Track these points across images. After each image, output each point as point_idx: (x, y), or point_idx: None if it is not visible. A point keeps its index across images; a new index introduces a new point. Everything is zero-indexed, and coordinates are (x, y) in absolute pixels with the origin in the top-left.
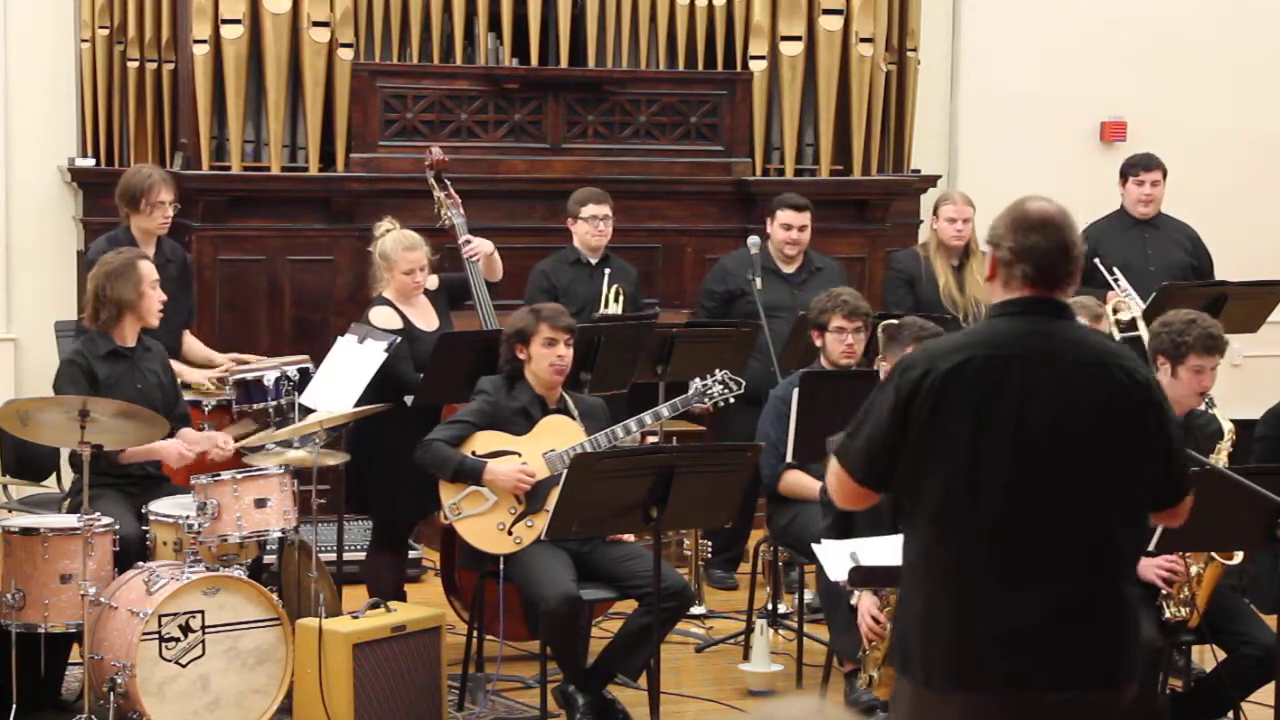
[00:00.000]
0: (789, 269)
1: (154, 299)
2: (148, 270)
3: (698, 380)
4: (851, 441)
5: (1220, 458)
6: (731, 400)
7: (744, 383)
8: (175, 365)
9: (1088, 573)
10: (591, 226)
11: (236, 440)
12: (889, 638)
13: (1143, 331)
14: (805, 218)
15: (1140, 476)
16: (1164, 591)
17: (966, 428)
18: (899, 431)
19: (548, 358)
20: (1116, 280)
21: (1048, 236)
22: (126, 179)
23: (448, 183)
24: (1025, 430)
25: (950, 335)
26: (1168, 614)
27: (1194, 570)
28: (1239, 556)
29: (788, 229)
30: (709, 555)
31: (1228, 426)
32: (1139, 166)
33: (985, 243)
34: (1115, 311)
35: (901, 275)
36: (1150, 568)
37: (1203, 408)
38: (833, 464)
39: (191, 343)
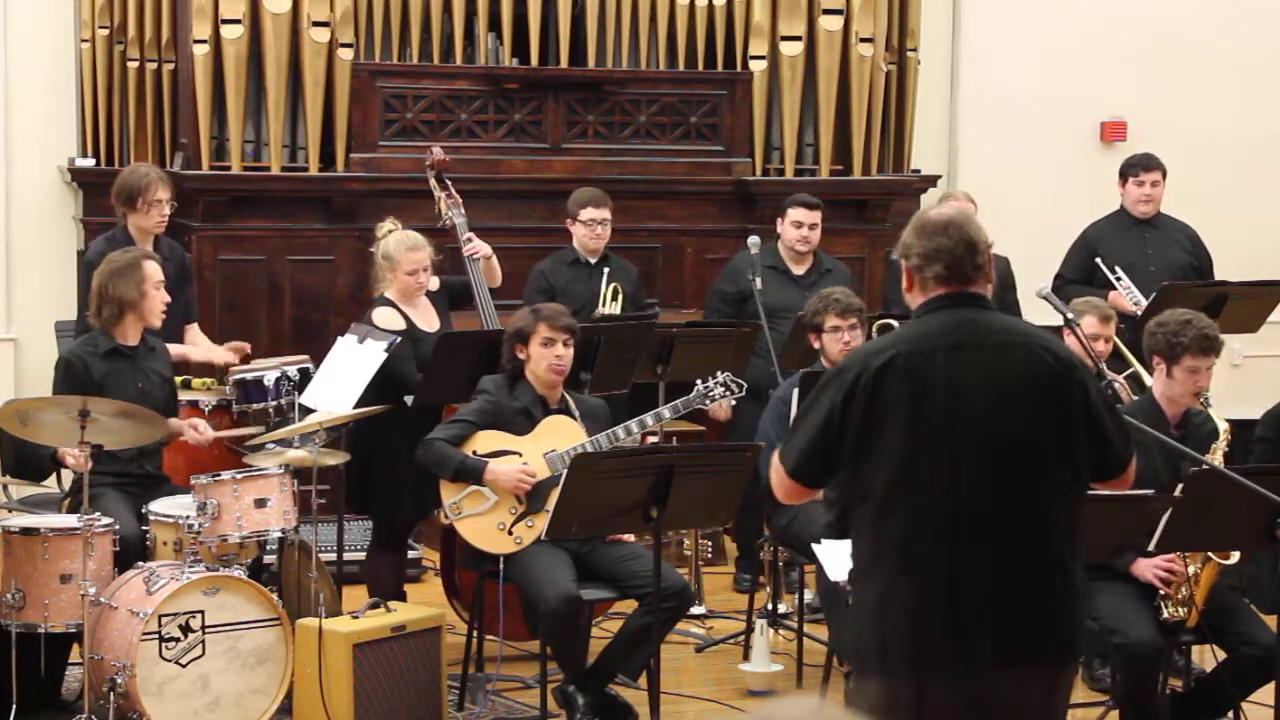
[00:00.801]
0: (799, 269)
1: (156, 299)
2: (152, 270)
3: (699, 382)
4: (790, 439)
5: (1215, 458)
6: (733, 402)
7: (745, 384)
8: (179, 349)
9: (1031, 550)
10: (589, 230)
11: (231, 442)
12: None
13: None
14: (816, 216)
15: (1072, 454)
16: (1162, 592)
17: (903, 421)
18: (836, 434)
19: (546, 358)
20: (1119, 279)
21: (951, 236)
22: (123, 178)
23: (449, 183)
24: (959, 416)
25: (879, 337)
26: (1166, 614)
27: (1191, 570)
28: (1235, 556)
29: (799, 227)
30: (708, 556)
31: (1223, 426)
32: (1138, 167)
33: (898, 256)
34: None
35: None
36: (1148, 568)
37: (1199, 407)
38: (774, 459)
39: (196, 339)
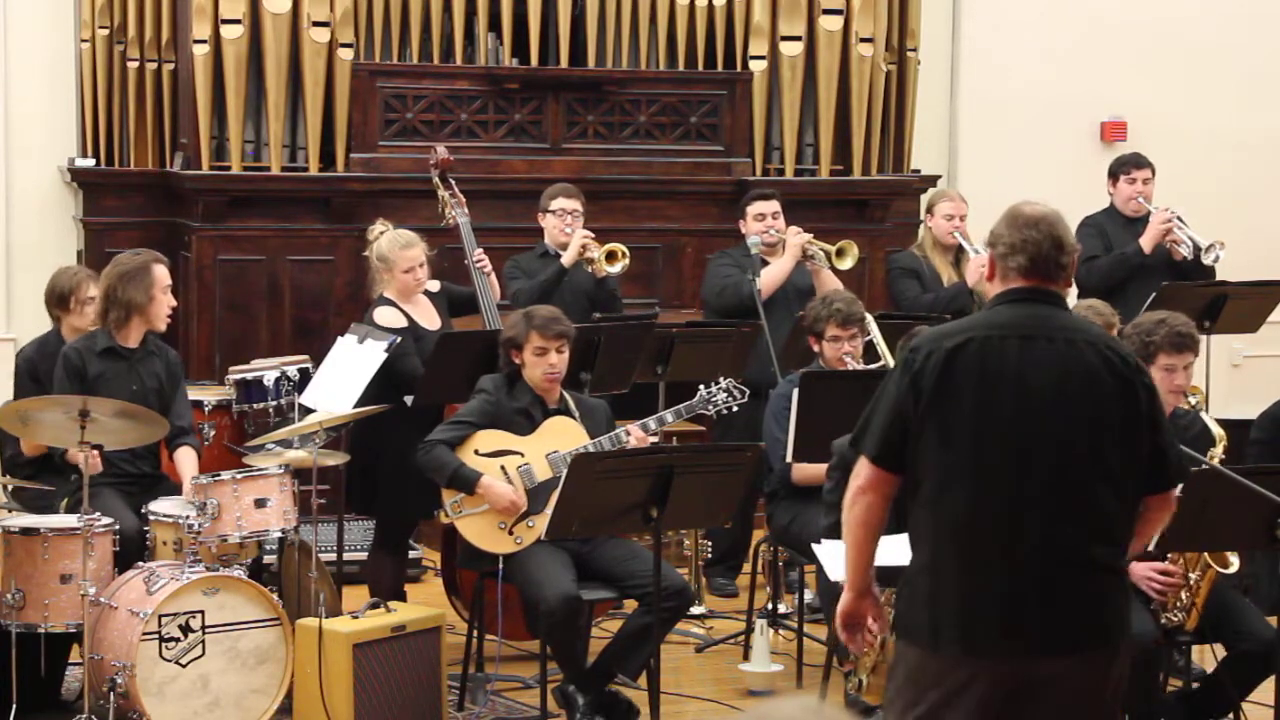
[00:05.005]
0: (776, 258)
1: (164, 304)
2: (161, 275)
3: (702, 388)
4: (866, 426)
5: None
6: (734, 409)
7: (747, 391)
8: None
9: (1086, 540)
10: (559, 220)
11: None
12: (881, 643)
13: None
14: (775, 205)
15: (1131, 453)
16: (1158, 600)
17: (971, 402)
18: (907, 411)
19: (540, 366)
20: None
21: (1041, 231)
22: (52, 280)
23: (453, 182)
24: (1027, 403)
25: (954, 321)
26: (1164, 619)
27: (1191, 578)
28: (1235, 565)
29: (761, 219)
30: (708, 556)
31: (1218, 432)
32: (1130, 165)
33: (984, 244)
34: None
35: (905, 270)
36: (1141, 578)
37: (1185, 408)
38: (859, 461)
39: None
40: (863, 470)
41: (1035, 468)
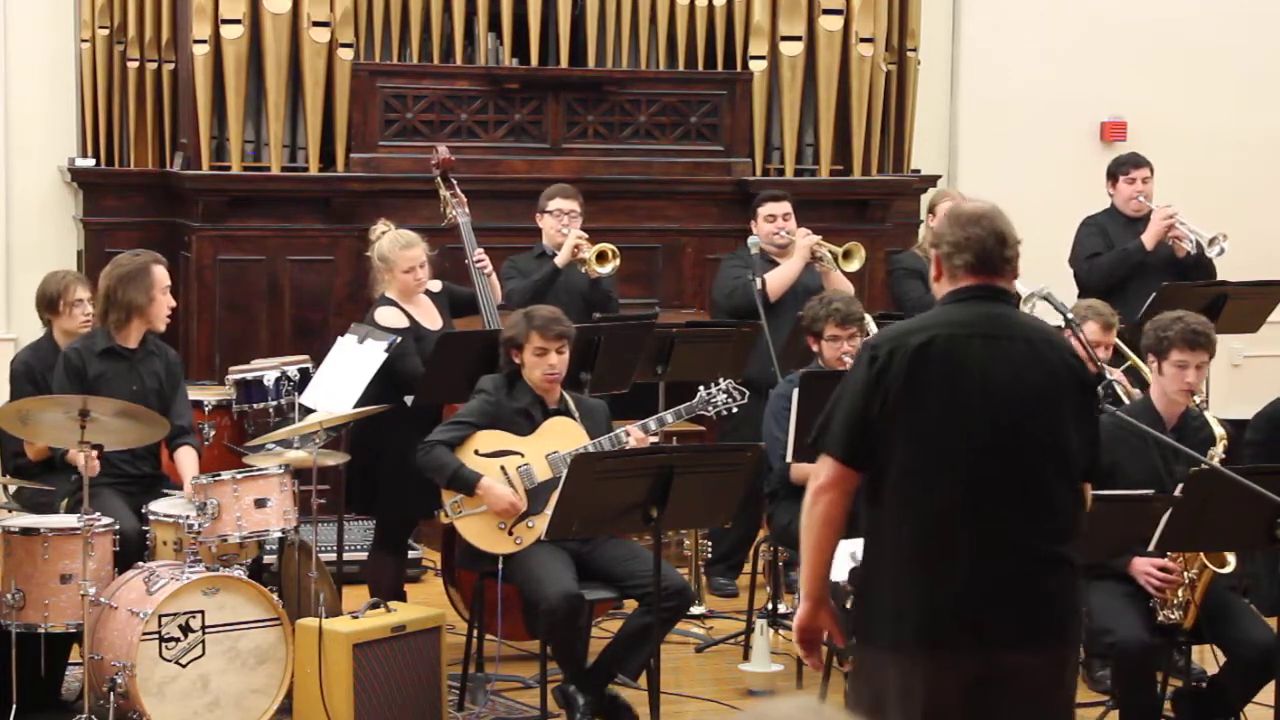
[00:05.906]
0: (785, 260)
1: (164, 304)
2: (161, 275)
3: (702, 388)
4: (828, 425)
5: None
6: (734, 410)
7: (746, 391)
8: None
9: (1046, 535)
10: (557, 221)
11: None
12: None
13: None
14: (786, 206)
15: (1078, 450)
16: (1156, 598)
17: (937, 400)
18: (874, 407)
19: (539, 366)
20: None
21: (984, 227)
22: (41, 286)
23: (454, 182)
24: (991, 400)
25: (909, 319)
26: (1161, 616)
27: (1188, 577)
28: (1231, 565)
29: (772, 220)
30: (708, 556)
31: (1220, 432)
32: (1129, 165)
33: (929, 246)
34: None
35: (909, 271)
36: (1141, 573)
37: (1194, 407)
38: (820, 460)
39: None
40: (825, 468)
41: (1000, 464)
